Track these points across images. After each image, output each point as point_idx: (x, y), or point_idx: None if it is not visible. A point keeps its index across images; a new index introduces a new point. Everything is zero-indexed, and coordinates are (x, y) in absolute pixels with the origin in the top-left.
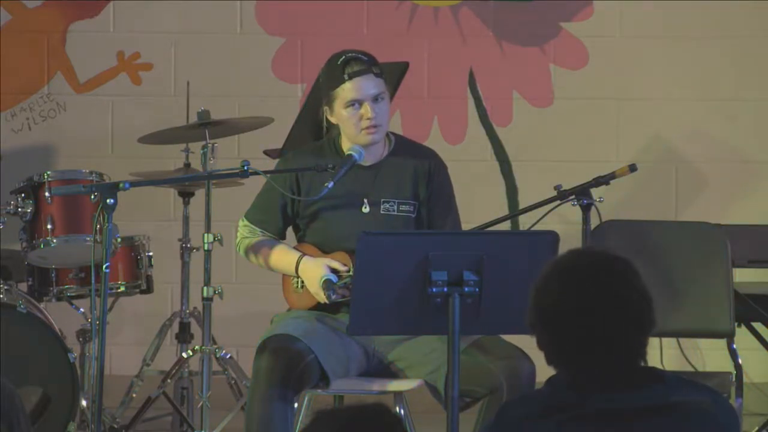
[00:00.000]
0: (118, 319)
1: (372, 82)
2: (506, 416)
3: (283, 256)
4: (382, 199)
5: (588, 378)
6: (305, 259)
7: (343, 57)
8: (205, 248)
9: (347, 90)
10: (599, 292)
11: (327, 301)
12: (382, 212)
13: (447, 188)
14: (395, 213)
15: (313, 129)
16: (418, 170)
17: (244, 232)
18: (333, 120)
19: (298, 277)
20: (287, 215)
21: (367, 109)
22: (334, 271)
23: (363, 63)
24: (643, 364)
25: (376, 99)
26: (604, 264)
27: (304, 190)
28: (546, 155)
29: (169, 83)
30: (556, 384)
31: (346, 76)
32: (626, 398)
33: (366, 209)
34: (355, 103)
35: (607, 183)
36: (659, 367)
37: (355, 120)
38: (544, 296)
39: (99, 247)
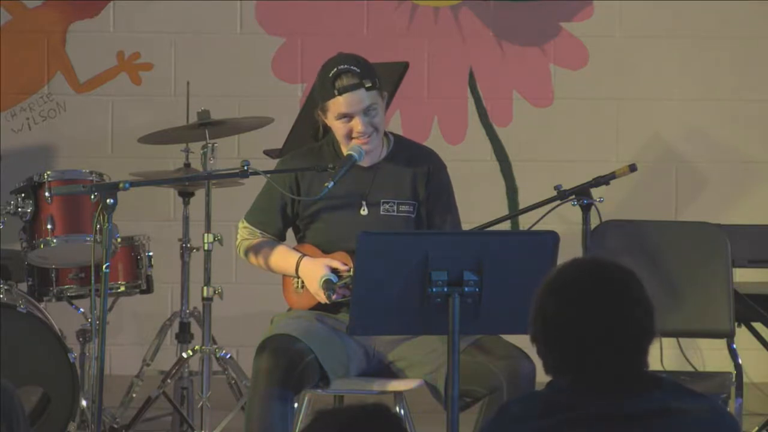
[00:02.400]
0: (118, 319)
1: (363, 95)
2: (506, 414)
3: (283, 257)
4: (382, 200)
5: (587, 383)
6: (305, 259)
7: (335, 69)
8: (205, 248)
9: (338, 104)
10: (599, 304)
11: (327, 301)
12: (381, 213)
13: (446, 187)
14: (395, 213)
15: (312, 129)
16: (417, 170)
17: (244, 234)
18: (328, 124)
19: (298, 277)
20: (287, 216)
21: (357, 123)
22: (334, 271)
23: (354, 76)
24: (644, 369)
25: (367, 111)
26: (605, 274)
27: (304, 192)
28: (546, 155)
29: (169, 83)
30: (556, 386)
31: (336, 92)
32: (625, 403)
33: (364, 211)
34: (346, 116)
35: (607, 183)
36: (659, 367)
37: (346, 131)
38: (545, 306)
39: (99, 247)
